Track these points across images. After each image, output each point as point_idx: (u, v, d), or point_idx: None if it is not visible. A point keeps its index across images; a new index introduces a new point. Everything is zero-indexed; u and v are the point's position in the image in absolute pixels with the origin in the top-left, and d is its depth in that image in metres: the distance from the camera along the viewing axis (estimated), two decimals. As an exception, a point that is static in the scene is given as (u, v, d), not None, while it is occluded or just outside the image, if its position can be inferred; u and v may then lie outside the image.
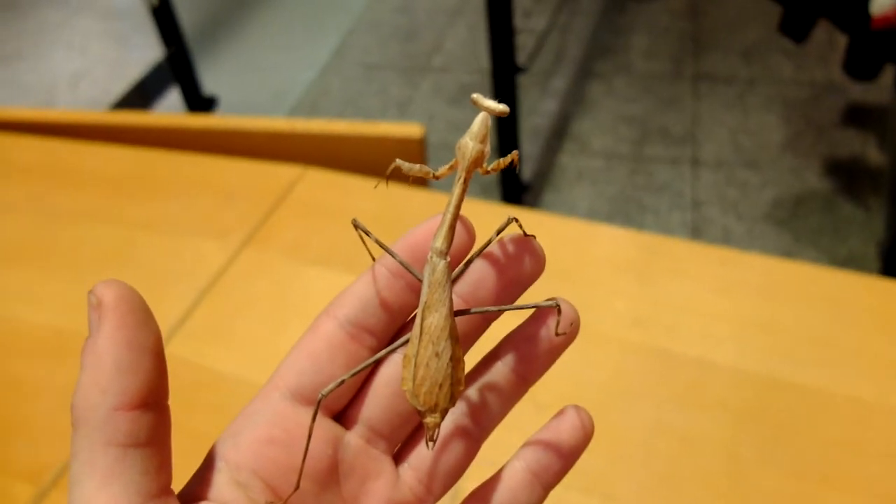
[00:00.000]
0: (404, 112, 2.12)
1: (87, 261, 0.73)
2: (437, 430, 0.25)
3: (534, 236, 0.25)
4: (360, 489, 0.25)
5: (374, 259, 0.26)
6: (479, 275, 0.25)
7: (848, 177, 1.77)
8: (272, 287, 0.66)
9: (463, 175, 0.25)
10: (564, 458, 0.26)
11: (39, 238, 0.76)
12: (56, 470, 0.55)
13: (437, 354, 0.24)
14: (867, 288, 0.63)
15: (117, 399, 0.21)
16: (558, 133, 1.99)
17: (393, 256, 0.25)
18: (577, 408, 0.26)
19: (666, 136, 1.94)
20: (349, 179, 0.79)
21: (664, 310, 0.61)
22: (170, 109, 2.02)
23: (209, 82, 1.98)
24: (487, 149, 0.24)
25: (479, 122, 0.25)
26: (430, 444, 0.25)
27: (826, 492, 0.49)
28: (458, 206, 0.25)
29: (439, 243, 0.24)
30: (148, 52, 2.16)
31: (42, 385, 0.62)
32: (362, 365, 0.24)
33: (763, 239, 1.65)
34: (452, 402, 0.24)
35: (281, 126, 0.87)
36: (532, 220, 0.75)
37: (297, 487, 0.23)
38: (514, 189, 1.73)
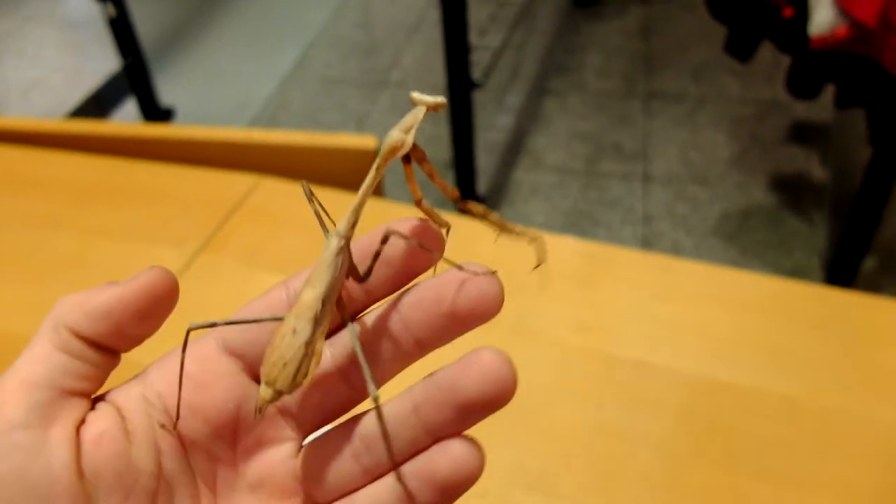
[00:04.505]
0: (362, 126, 2.14)
1: (42, 266, 0.73)
2: (264, 407, 0.24)
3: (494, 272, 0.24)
4: (254, 450, 0.26)
5: (326, 231, 0.26)
6: (422, 298, 0.24)
7: (792, 192, 1.83)
8: (227, 292, 0.68)
9: (378, 161, 0.25)
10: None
11: (-7, 244, 0.76)
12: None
13: (294, 331, 0.23)
14: (801, 294, 0.66)
15: (80, 325, 0.24)
16: (513, 148, 2.02)
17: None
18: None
19: (618, 152, 1.99)
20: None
21: (606, 315, 0.64)
22: (126, 120, 2.01)
23: (167, 94, 1.98)
24: (409, 139, 0.25)
25: (410, 115, 0.25)
26: (257, 413, 0.24)
27: (757, 486, 0.52)
28: (368, 192, 0.25)
29: (341, 224, 0.25)
30: (104, 62, 2.15)
31: (-4, 388, 0.62)
32: (255, 319, 0.25)
33: (711, 252, 1.70)
34: (289, 388, 0.24)
35: (238, 136, 0.88)
36: (483, 229, 0.78)
37: (178, 418, 0.25)
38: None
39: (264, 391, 0.24)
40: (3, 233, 0.77)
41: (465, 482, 0.23)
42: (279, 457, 0.26)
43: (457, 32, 1.53)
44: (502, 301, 0.24)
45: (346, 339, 0.25)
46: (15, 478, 0.22)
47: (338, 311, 0.25)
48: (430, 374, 0.24)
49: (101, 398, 0.25)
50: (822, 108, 1.95)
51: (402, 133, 0.24)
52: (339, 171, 0.85)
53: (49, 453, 0.22)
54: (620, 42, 2.41)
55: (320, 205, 0.28)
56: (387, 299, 0.26)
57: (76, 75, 2.38)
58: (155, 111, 1.88)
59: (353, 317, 0.26)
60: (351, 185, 0.82)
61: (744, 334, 0.62)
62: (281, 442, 0.26)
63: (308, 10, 2.73)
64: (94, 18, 2.51)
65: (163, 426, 0.25)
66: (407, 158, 0.25)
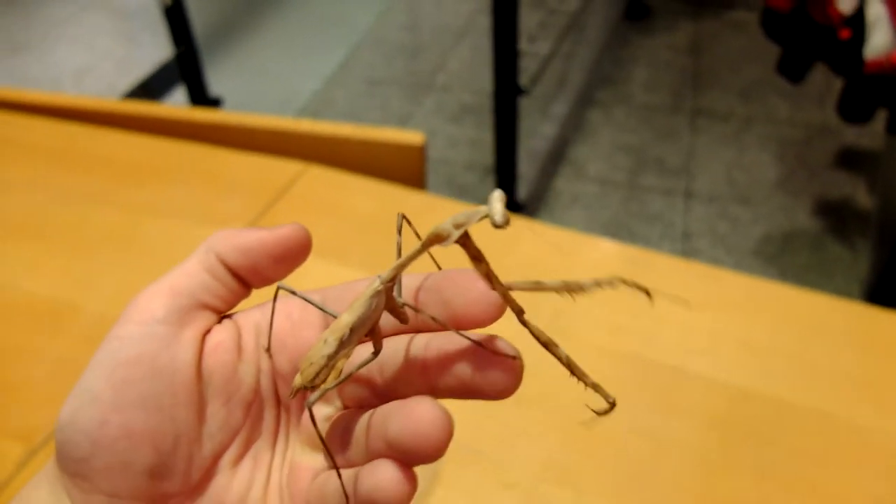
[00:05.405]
0: (405, 127, 2.15)
1: (90, 239, 0.74)
2: (294, 392, 0.27)
3: (516, 358, 0.25)
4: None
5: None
6: (446, 354, 0.26)
7: (837, 217, 1.81)
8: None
9: (423, 240, 0.26)
10: None
11: (46, 215, 0.78)
12: (48, 431, 0.56)
13: (324, 341, 0.26)
14: (842, 311, 0.65)
15: (226, 255, 0.28)
16: (555, 157, 2.02)
17: None
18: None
19: (661, 167, 1.97)
20: (349, 178, 0.81)
21: (644, 320, 0.63)
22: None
23: (215, 84, 2.00)
24: (455, 235, 0.25)
25: (467, 213, 0.25)
26: (290, 395, 0.27)
27: (788, 497, 0.51)
28: (411, 259, 0.26)
29: (385, 273, 0.26)
30: (155, 50, 2.19)
31: (39, 352, 0.63)
32: (320, 307, 0.29)
33: (750, 273, 1.68)
34: (308, 384, 0.26)
35: (286, 125, 0.89)
36: (525, 228, 0.78)
37: (269, 348, 0.29)
38: (509, 209, 1.76)
39: (297, 378, 0.27)
40: (55, 206, 0.79)
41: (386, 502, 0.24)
42: (323, 413, 0.29)
43: (507, 37, 1.53)
44: (516, 387, 0.25)
45: (387, 353, 0.27)
46: (148, 360, 0.26)
47: (372, 339, 0.27)
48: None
49: (228, 317, 0.29)
50: (872, 134, 1.93)
51: (451, 227, 0.25)
52: (384, 165, 0.86)
53: (178, 348, 0.26)
54: (669, 57, 2.40)
55: (416, 234, 0.29)
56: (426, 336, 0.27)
57: (127, 62, 2.43)
58: (204, 101, 1.91)
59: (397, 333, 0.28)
60: (394, 178, 0.83)
61: (782, 347, 0.61)
62: (330, 402, 0.29)
63: (356, 11, 2.75)
64: (147, 7, 2.55)
65: (266, 350, 0.29)
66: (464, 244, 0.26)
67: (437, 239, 0.25)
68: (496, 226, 0.24)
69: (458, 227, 0.25)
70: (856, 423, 0.55)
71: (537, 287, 0.26)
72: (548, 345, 0.26)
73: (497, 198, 0.24)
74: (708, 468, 0.53)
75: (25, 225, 0.77)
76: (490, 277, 0.25)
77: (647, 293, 0.26)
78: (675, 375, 0.59)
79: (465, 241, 0.25)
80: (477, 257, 0.26)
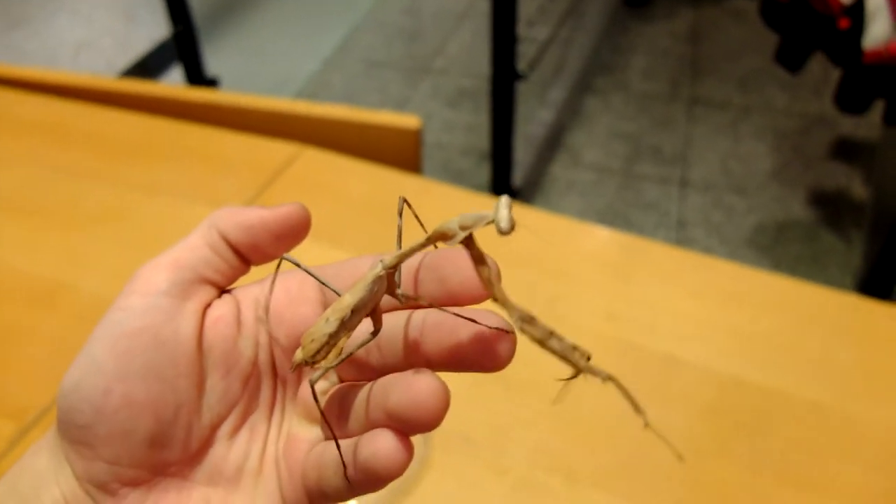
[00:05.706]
0: (402, 110, 2.14)
1: (84, 217, 0.74)
2: (294, 367, 0.28)
3: (512, 332, 0.26)
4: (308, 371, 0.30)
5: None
6: (434, 322, 0.27)
7: (832, 208, 1.81)
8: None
9: (428, 235, 0.26)
10: None
11: (40, 192, 0.77)
12: (40, 409, 0.56)
13: (326, 320, 0.27)
14: (835, 302, 0.65)
15: (228, 231, 0.29)
16: (552, 143, 2.02)
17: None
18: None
19: (657, 155, 1.97)
20: (344, 161, 0.81)
21: (639, 307, 0.64)
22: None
23: (212, 64, 1.99)
24: (460, 236, 0.25)
25: (475, 217, 0.25)
26: (291, 368, 0.28)
27: (778, 488, 0.52)
28: (415, 250, 0.27)
29: (388, 258, 0.27)
30: (153, 28, 2.18)
31: (33, 331, 0.63)
32: (324, 282, 0.29)
33: (743, 262, 1.68)
34: (309, 359, 0.27)
35: (282, 106, 0.89)
36: (522, 216, 0.78)
37: (266, 319, 0.29)
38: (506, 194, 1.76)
39: (298, 353, 0.28)
40: (50, 183, 0.79)
41: (383, 472, 0.25)
42: (319, 388, 0.29)
43: (505, 22, 1.52)
44: (509, 359, 0.26)
45: (385, 329, 0.28)
46: (152, 332, 0.26)
47: (372, 319, 0.28)
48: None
49: (227, 292, 0.30)
50: (869, 126, 1.93)
51: (457, 227, 0.25)
52: (380, 148, 0.86)
53: (180, 320, 0.27)
54: (668, 45, 2.39)
55: (416, 217, 0.30)
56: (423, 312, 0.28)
57: (125, 40, 2.41)
58: (200, 80, 1.90)
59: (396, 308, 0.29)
60: (390, 161, 0.82)
61: (775, 337, 0.62)
62: (326, 377, 0.30)
63: (356, -8, 2.74)
64: (147, -16, 2.53)
65: (263, 322, 0.29)
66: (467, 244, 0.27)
67: (442, 237, 0.26)
68: (501, 232, 0.24)
69: (463, 228, 0.25)
70: (848, 413, 0.56)
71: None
72: (542, 342, 0.26)
73: (504, 204, 0.24)
74: (699, 456, 0.53)
75: (20, 202, 0.77)
76: (490, 282, 0.26)
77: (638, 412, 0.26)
78: (667, 364, 0.59)
79: (468, 243, 0.26)
80: (480, 260, 0.26)
